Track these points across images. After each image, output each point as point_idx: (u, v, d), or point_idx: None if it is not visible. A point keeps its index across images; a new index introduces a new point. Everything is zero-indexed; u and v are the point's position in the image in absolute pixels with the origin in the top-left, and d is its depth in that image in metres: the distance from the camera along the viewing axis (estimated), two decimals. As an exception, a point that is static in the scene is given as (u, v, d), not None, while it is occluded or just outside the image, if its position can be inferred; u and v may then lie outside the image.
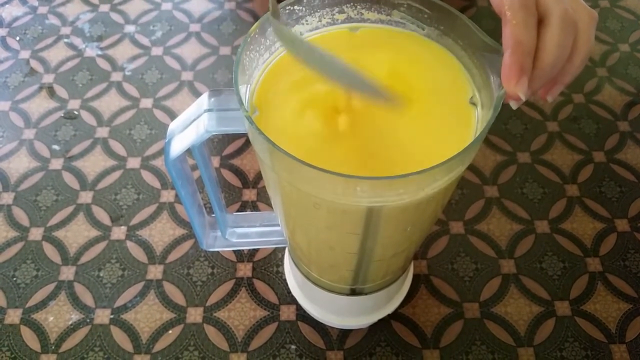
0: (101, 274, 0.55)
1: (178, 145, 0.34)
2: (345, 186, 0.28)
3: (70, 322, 0.52)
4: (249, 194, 0.60)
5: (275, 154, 0.29)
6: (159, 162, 0.62)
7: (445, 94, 0.34)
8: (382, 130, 0.32)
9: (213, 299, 0.53)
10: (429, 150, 0.31)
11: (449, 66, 0.35)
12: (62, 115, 0.66)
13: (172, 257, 0.56)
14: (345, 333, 0.52)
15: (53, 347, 0.51)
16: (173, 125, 0.35)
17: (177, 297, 0.53)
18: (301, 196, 0.31)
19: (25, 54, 0.72)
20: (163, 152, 0.63)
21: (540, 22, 0.30)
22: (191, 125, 0.33)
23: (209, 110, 0.32)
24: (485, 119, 0.31)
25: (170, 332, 0.52)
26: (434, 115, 0.33)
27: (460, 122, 0.32)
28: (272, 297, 0.54)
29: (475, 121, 0.32)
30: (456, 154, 0.27)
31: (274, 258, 0.56)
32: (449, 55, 0.35)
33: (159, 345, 0.51)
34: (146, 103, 0.67)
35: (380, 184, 0.28)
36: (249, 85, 0.34)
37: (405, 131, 0.32)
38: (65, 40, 0.74)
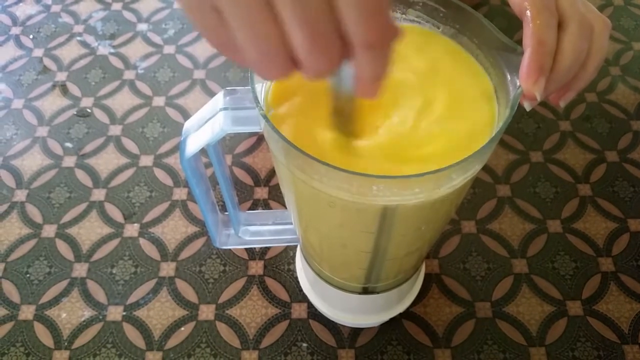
0: (114, 271, 0.55)
1: (193, 143, 0.34)
2: (361, 185, 0.28)
3: (82, 319, 0.52)
4: (261, 192, 0.60)
5: (290, 152, 0.29)
6: (171, 160, 0.63)
7: (462, 93, 0.34)
8: (398, 129, 0.32)
9: (225, 297, 0.54)
10: (445, 149, 0.31)
11: (466, 64, 0.35)
12: (75, 113, 0.67)
13: (184, 255, 0.56)
14: (356, 331, 0.52)
15: (66, 344, 0.51)
16: (188, 124, 0.35)
17: (190, 294, 0.54)
18: (315, 194, 0.31)
19: (38, 52, 0.73)
20: (175, 150, 0.63)
21: (558, 26, 0.30)
22: (206, 124, 0.33)
23: (225, 108, 0.32)
24: (501, 118, 0.31)
25: (182, 329, 0.52)
26: (451, 114, 0.33)
27: (477, 121, 0.32)
28: (283, 295, 0.54)
29: (491, 120, 0.32)
30: (473, 154, 0.27)
31: (286, 256, 0.56)
32: (466, 54, 0.35)
33: (171, 342, 0.51)
34: (159, 101, 0.68)
35: (396, 182, 0.28)
36: (264, 84, 0.34)
37: (421, 130, 0.32)
38: (78, 38, 0.74)
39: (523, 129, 0.65)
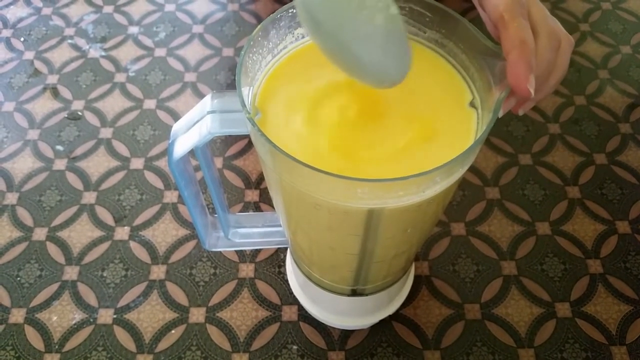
0: (104, 274, 0.55)
1: (181, 146, 0.34)
2: (346, 188, 0.28)
3: (73, 322, 0.52)
4: (252, 195, 0.60)
5: (276, 155, 0.29)
6: (162, 163, 0.63)
7: (445, 98, 0.34)
8: (383, 133, 0.32)
9: (215, 299, 0.54)
10: (429, 153, 0.31)
11: (448, 71, 0.35)
12: (66, 116, 0.67)
13: (175, 258, 0.56)
14: (346, 333, 0.52)
15: (57, 347, 0.51)
16: (176, 127, 0.35)
17: (180, 297, 0.54)
18: (302, 197, 0.31)
19: (29, 55, 0.73)
20: (166, 152, 0.64)
21: None
22: (194, 126, 0.34)
23: (212, 112, 0.33)
24: (485, 122, 0.32)
25: (173, 332, 0.52)
26: (434, 119, 0.33)
27: (460, 125, 0.33)
28: (274, 298, 0.54)
29: (475, 124, 0.33)
30: (455, 157, 0.27)
31: (276, 259, 0.56)
32: (448, 60, 0.36)
33: (162, 345, 0.51)
34: (149, 104, 0.68)
35: (380, 186, 0.28)
36: (251, 88, 0.34)
37: (406, 134, 0.32)
38: (69, 41, 0.74)
39: (512, 131, 0.65)
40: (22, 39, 0.75)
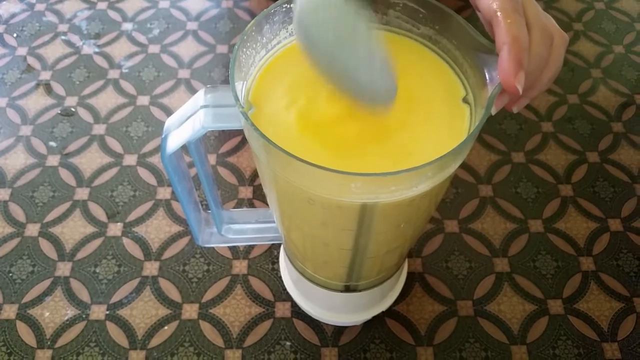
0: (97, 270, 0.55)
1: (174, 141, 0.34)
2: (339, 182, 0.28)
3: (66, 318, 0.52)
4: (245, 192, 0.60)
5: (270, 150, 0.29)
6: (155, 159, 0.63)
7: (438, 94, 0.34)
8: (376, 128, 0.32)
9: (208, 296, 0.54)
10: (422, 148, 0.31)
11: (442, 67, 0.35)
12: (59, 112, 0.67)
13: (168, 254, 0.56)
14: (339, 330, 0.52)
15: (49, 343, 0.51)
16: (169, 121, 0.35)
17: (173, 293, 0.54)
18: (296, 192, 0.31)
19: (22, 51, 0.72)
20: (159, 149, 0.63)
21: None
22: (187, 121, 0.33)
23: (205, 106, 0.33)
24: (478, 118, 0.32)
25: (165, 328, 0.52)
26: (427, 115, 0.33)
27: (453, 121, 0.33)
28: (267, 294, 0.54)
29: (468, 120, 0.33)
30: (448, 152, 0.27)
31: (270, 255, 0.56)
32: (442, 56, 0.36)
33: (155, 341, 0.51)
34: (143, 100, 0.68)
35: (373, 180, 0.28)
36: (245, 82, 0.34)
37: (399, 129, 0.32)
38: (63, 37, 0.74)
39: (505, 130, 0.65)
40: (15, 35, 0.74)
